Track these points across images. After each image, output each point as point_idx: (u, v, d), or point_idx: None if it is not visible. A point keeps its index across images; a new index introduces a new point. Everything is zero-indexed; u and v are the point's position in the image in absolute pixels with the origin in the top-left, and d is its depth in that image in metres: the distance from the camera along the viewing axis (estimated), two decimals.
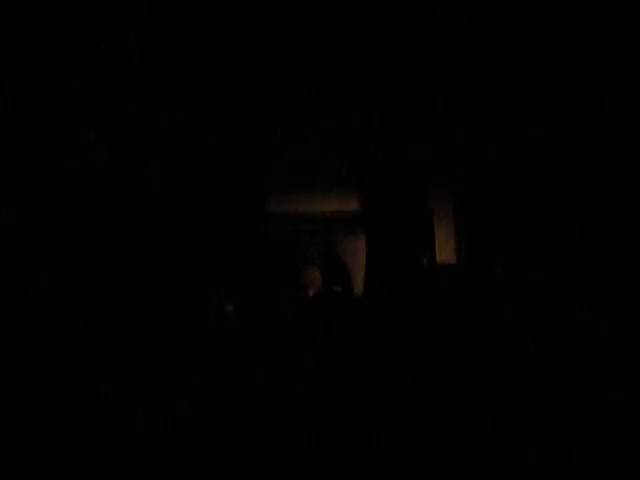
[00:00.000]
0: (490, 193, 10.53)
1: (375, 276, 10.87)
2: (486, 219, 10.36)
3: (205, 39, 6.67)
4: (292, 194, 10.52)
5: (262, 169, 10.29)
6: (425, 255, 10.07)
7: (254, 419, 2.35)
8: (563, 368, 2.55)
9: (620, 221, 9.79)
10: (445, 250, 10.42)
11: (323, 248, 13.32)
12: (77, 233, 8.82)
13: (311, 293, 10.84)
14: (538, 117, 9.20)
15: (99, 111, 8.33)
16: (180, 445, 2.19)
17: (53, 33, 6.23)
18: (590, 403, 2.19)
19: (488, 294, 9.03)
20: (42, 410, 2.34)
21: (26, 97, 7.71)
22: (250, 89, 8.03)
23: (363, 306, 2.91)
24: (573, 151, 10.01)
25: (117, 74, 7.59)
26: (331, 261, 13.03)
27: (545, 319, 3.99)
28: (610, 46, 7.04)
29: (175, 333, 2.79)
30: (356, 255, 12.83)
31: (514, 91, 8.31)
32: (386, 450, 2.05)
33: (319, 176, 10.53)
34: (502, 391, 2.28)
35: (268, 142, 10.01)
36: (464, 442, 2.04)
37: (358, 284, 12.61)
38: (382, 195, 10.77)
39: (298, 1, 5.77)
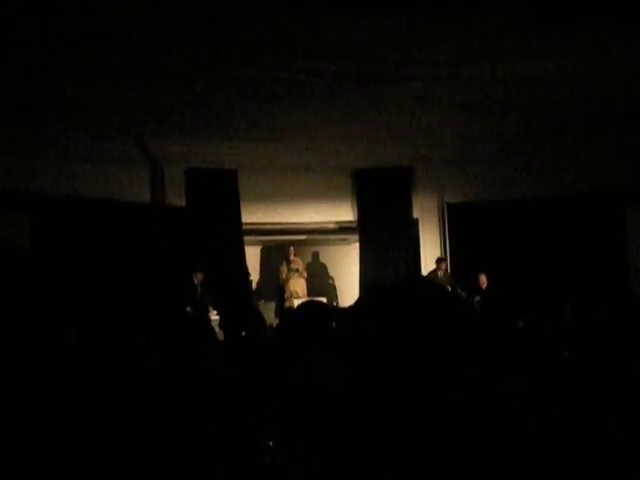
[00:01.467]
0: (475, 202, 10.50)
1: (366, 287, 10.72)
2: (471, 228, 10.31)
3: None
4: (277, 205, 10.45)
5: (245, 179, 10.19)
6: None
7: (234, 426, 2.28)
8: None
9: (601, 229, 9.84)
10: (431, 260, 10.37)
11: (308, 258, 13.30)
12: (61, 239, 8.67)
13: (296, 303, 10.77)
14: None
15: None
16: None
17: None
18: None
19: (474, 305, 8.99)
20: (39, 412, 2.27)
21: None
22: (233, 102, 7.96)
23: (353, 316, 2.80)
24: (560, 162, 10.05)
25: None
26: (316, 271, 13.00)
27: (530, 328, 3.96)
28: None
29: (158, 339, 2.73)
30: (341, 265, 12.80)
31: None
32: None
33: (304, 187, 10.46)
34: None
35: (252, 152, 9.95)
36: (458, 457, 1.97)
37: (343, 294, 12.57)
38: (371, 204, 10.65)
39: None
